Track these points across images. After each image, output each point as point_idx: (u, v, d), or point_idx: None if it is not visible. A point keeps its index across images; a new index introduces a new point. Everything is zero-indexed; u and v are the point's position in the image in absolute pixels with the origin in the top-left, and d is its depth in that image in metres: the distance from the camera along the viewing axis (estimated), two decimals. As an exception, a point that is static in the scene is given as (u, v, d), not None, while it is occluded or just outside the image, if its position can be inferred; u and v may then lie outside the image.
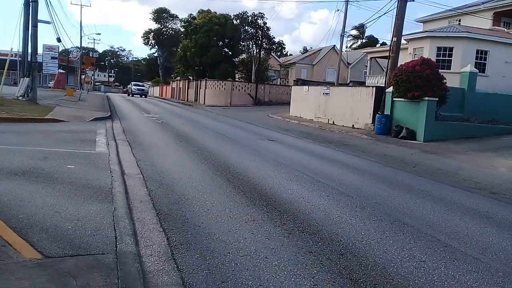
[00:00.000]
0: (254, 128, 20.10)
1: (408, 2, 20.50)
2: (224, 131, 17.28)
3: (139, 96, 56.39)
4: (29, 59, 23.96)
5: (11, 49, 26.03)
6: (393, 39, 20.52)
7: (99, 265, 3.70)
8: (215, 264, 4.12)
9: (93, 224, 4.79)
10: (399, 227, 5.79)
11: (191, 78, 56.14)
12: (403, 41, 23.45)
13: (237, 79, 51.33)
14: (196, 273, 3.90)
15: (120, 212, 5.30)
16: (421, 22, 35.09)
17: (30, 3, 22.72)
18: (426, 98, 17.68)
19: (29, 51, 23.83)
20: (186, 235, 4.86)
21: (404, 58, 22.08)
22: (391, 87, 19.49)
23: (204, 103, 44.91)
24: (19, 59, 29.41)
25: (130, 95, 57.31)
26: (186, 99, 54.23)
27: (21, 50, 25.24)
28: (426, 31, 26.75)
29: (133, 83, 64.34)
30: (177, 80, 63.77)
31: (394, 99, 19.57)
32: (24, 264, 3.55)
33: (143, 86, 64.07)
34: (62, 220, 4.84)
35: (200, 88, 48.75)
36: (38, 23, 23.21)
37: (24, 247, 3.93)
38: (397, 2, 20.45)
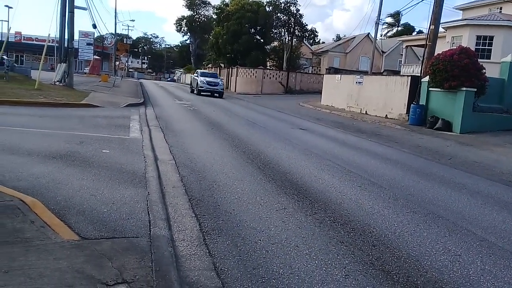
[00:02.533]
0: (285, 117, 20.02)
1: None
2: (254, 119, 17.28)
3: (209, 94, 31.50)
4: (65, 45, 24.58)
5: (49, 35, 26.78)
6: (431, 27, 19.92)
7: (134, 248, 3.78)
8: (246, 251, 4.14)
9: (127, 208, 4.90)
10: (433, 220, 5.66)
11: (222, 65, 56.27)
12: (441, 29, 22.74)
13: (268, 67, 51.10)
14: (228, 259, 3.94)
15: (154, 197, 5.40)
16: (460, 9, 33.84)
17: (68, -10, 23.22)
18: (464, 89, 17.14)
19: (66, 37, 24.44)
20: (218, 221, 4.90)
21: (441, 47, 21.44)
22: (427, 76, 18.98)
23: (235, 91, 45.01)
24: (56, 45, 30.22)
25: (195, 91, 32.95)
26: (217, 86, 54.37)
27: (58, 36, 25.86)
28: (465, 19, 25.85)
29: (200, 72, 35.24)
30: (208, 68, 64.08)
31: (430, 89, 19.07)
32: (62, 245, 3.67)
33: (216, 77, 34.54)
34: (98, 203, 4.96)
35: (231, 76, 48.85)
36: (75, 9, 23.73)
37: (62, 228, 4.05)
38: (435, -12, 19.78)
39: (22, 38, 66.51)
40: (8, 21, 50.83)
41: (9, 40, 35.76)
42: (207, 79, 32.03)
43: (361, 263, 4.13)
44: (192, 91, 34.49)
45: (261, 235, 4.57)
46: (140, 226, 4.40)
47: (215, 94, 31.39)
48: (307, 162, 8.90)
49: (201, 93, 31.33)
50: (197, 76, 33.28)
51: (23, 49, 65.86)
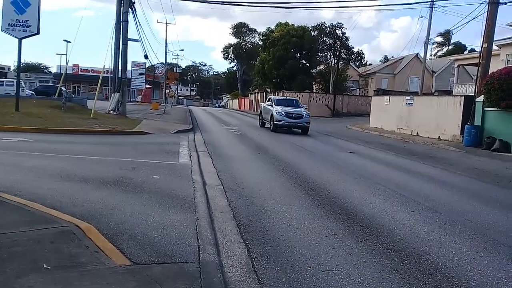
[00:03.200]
0: (333, 140, 19.78)
1: (499, 6, 19.16)
2: (301, 143, 17.19)
3: (290, 125, 22.27)
4: (119, 75, 25.77)
5: (104, 66, 28.13)
6: (484, 45, 19.23)
7: (183, 274, 3.79)
8: (295, 278, 4.04)
9: (177, 233, 4.95)
10: (494, 247, 5.31)
11: (268, 90, 56.79)
12: (494, 47, 21.90)
13: (314, 91, 51.03)
14: (277, 286, 3.86)
15: (202, 222, 5.43)
16: (514, 25, 32.51)
17: (121, 23, 24.48)
18: (523, 108, 16.28)
19: (119, 68, 25.63)
20: (266, 247, 4.84)
21: (496, 65, 20.58)
22: (482, 96, 18.22)
23: (281, 115, 45.06)
24: (111, 75, 31.80)
25: (268, 124, 23.46)
26: (264, 111, 54.77)
27: (112, 67, 27.16)
28: (520, 35, 24.76)
29: (274, 99, 24.68)
30: (255, 93, 64.87)
31: (485, 108, 18.27)
32: (114, 270, 3.74)
33: (298, 105, 24.38)
34: (149, 228, 5.05)
35: (277, 100, 49.02)
36: (128, 42, 24.91)
37: (114, 253, 4.14)
38: (487, 6, 19.16)
39: (79, 70, 70.68)
40: (66, 55, 54.00)
41: (67, 72, 38.02)
42: (286, 109, 22.13)
43: (418, 293, 3.91)
44: (262, 125, 25.11)
45: (311, 262, 4.46)
46: (189, 251, 4.42)
47: (299, 125, 22.02)
48: (357, 186, 8.69)
49: (278, 128, 21.85)
50: (271, 105, 23.10)
51: (80, 80, 69.85)
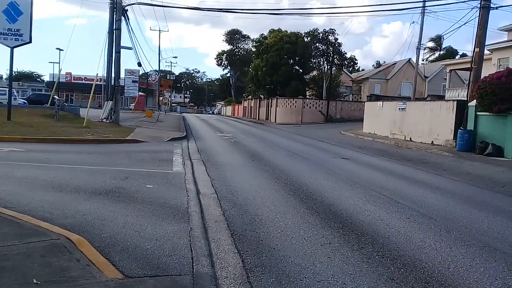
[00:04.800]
0: (326, 146, 19.78)
1: (490, 10, 19.31)
2: (295, 150, 17.17)
3: None
4: (112, 83, 25.68)
5: (97, 74, 28.03)
6: (475, 49, 19.36)
7: (177, 287, 3.73)
8: (291, 289, 3.98)
9: (170, 244, 4.88)
10: (490, 253, 5.29)
11: (262, 96, 56.93)
12: (486, 52, 22.04)
13: (308, 97, 51.17)
14: (272, 299, 3.80)
15: (196, 232, 5.37)
16: (505, 30, 32.78)
17: (114, 31, 24.43)
18: (515, 112, 16.38)
19: (113, 75, 25.55)
20: (261, 257, 4.78)
21: (487, 70, 20.73)
22: (474, 100, 18.32)
23: (275, 121, 45.21)
24: (104, 83, 31.65)
25: None
26: (257, 117, 54.98)
27: (105, 75, 27.07)
28: (511, 40, 24.97)
29: None
30: (248, 99, 64.98)
31: (478, 113, 18.37)
32: (106, 284, 3.67)
33: None
34: (142, 240, 4.98)
35: (271, 107, 49.22)
36: (121, 49, 24.85)
37: (106, 266, 4.07)
38: (478, 11, 19.32)
39: (72, 78, 70.42)
40: (59, 63, 53.84)
41: (60, 80, 37.84)
42: None
43: (414, 302, 3.87)
44: None
45: (306, 272, 4.40)
46: (183, 263, 4.36)
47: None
48: (352, 193, 8.66)
49: None
50: None
51: (73, 88, 69.64)
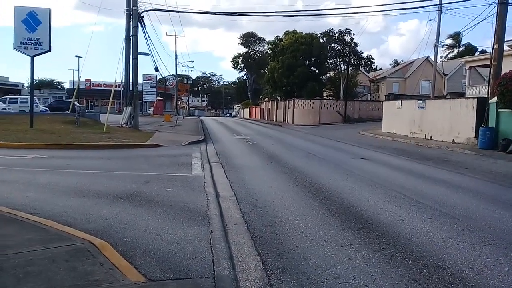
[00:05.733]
0: (345, 147, 19.65)
1: (509, 6, 18.95)
2: (314, 151, 17.11)
3: None
4: (130, 88, 26.02)
5: (115, 80, 28.45)
6: (494, 46, 19.01)
7: (198, 290, 3.75)
8: (312, 291, 3.98)
9: (191, 247, 4.92)
10: (515, 254, 5.18)
11: (279, 98, 56.86)
12: (506, 47, 21.62)
13: (325, 97, 50.93)
14: (293, 301, 3.80)
15: (216, 235, 5.40)
16: (525, 25, 32.16)
17: (131, 38, 24.77)
18: (538, 108, 16.02)
19: (131, 81, 25.89)
20: (281, 259, 4.78)
21: (508, 66, 20.27)
22: (495, 97, 17.98)
23: (292, 123, 45.12)
24: (122, 89, 32.11)
25: None
26: (274, 119, 54.97)
27: (123, 81, 27.44)
28: (532, 34, 24.42)
29: None
30: (265, 101, 64.99)
31: (499, 110, 18.01)
32: (130, 287, 3.72)
33: None
34: (163, 243, 5.03)
35: (288, 108, 49.15)
36: (138, 56, 25.18)
37: (129, 270, 4.13)
38: (496, 6, 18.97)
39: (92, 84, 71.63)
40: (78, 70, 54.87)
41: (80, 87, 38.49)
42: None
43: (438, 304, 3.82)
44: None
45: (327, 274, 4.38)
46: (204, 266, 4.39)
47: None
48: (372, 194, 8.58)
49: None
50: None
51: (93, 94, 70.83)
